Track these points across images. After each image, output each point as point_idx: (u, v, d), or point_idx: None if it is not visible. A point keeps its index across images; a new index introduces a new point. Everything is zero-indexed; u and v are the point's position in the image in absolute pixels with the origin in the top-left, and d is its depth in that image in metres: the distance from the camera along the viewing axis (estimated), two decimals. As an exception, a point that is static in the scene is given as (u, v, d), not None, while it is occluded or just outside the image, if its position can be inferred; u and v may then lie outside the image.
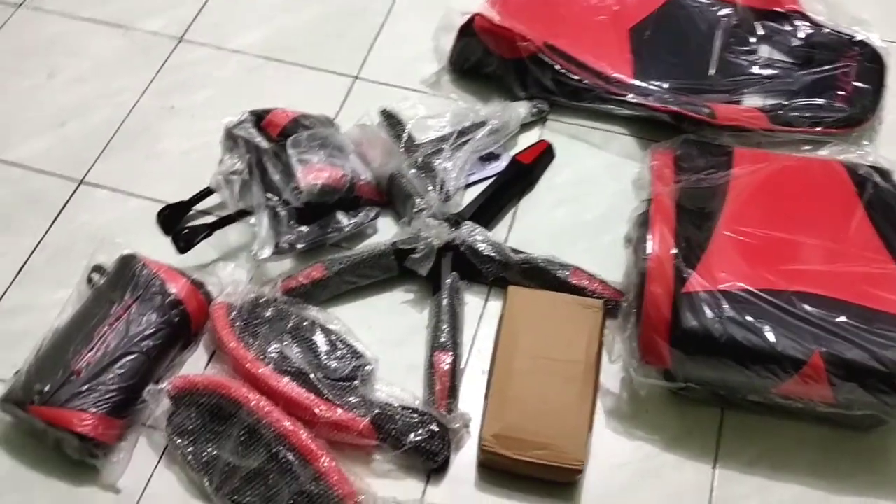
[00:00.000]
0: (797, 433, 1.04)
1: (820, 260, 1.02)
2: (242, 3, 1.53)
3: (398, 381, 1.08)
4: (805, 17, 1.38)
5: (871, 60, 1.32)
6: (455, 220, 1.15)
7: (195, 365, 1.11)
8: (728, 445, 1.04)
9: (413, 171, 1.22)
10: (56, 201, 1.27)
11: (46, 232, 1.24)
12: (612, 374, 1.08)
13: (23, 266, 1.21)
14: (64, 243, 1.23)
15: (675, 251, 0.99)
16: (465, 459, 1.04)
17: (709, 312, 0.95)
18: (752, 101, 1.32)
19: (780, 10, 1.40)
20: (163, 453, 1.04)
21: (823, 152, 1.23)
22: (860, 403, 0.95)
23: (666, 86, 1.32)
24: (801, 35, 1.37)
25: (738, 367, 0.95)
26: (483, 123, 1.27)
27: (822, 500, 1.00)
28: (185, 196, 1.24)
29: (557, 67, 1.28)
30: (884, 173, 1.12)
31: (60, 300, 1.13)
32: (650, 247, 0.99)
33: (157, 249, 1.18)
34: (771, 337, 0.93)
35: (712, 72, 1.34)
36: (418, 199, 1.17)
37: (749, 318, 0.95)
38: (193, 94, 1.40)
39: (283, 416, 0.99)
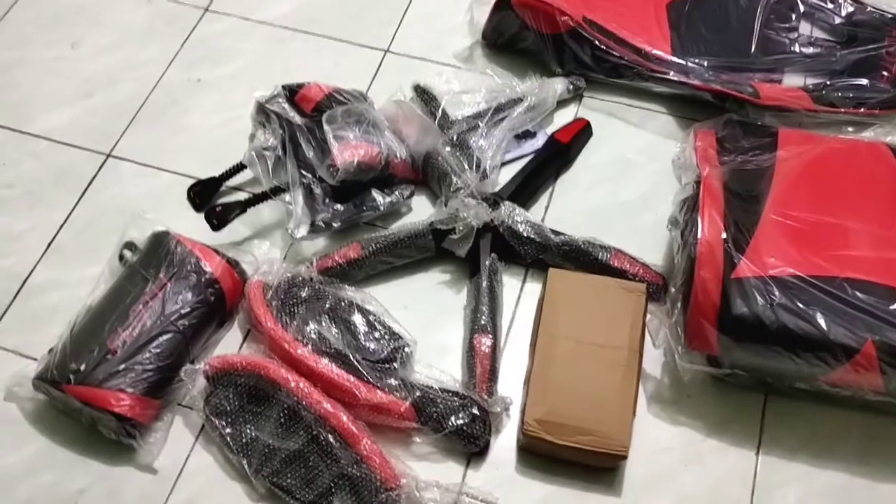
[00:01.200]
0: (841, 420, 1.03)
1: (869, 245, 1.00)
2: (269, -28, 1.49)
3: (434, 363, 1.07)
4: (848, -6, 1.35)
5: (916, 40, 1.29)
6: (493, 200, 1.13)
7: (230, 344, 1.10)
8: (771, 432, 1.03)
9: (448, 148, 1.20)
10: (84, 175, 1.25)
11: (75, 206, 1.22)
12: (653, 359, 1.06)
13: (51, 241, 1.19)
14: (93, 218, 1.21)
15: (724, 236, 0.97)
16: (505, 443, 1.03)
17: (759, 299, 0.93)
18: (794, 79, 1.29)
19: (821, -14, 1.36)
20: (199, 434, 1.03)
21: (868, 134, 1.20)
22: (910, 392, 0.94)
23: (706, 63, 1.29)
24: (844, 13, 1.34)
25: (787, 355, 0.93)
26: (519, 100, 1.25)
27: (866, 487, 0.99)
28: (214, 171, 1.22)
29: (597, 43, 1.25)
30: (930, 157, 1.10)
31: (91, 276, 1.12)
32: (700, 231, 0.97)
33: (188, 225, 1.16)
34: (823, 324, 0.92)
35: (753, 49, 1.31)
36: (455, 179, 1.15)
37: (800, 305, 0.93)
38: (220, 67, 1.37)
39: (323, 397, 0.98)
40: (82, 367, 0.98)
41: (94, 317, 1.04)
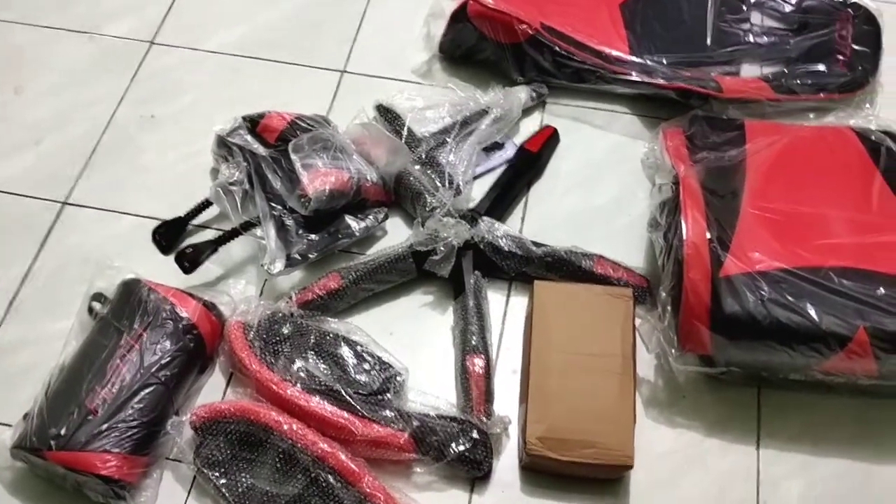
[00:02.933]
0: (836, 406, 1.03)
1: (848, 232, 1.01)
2: (212, 0, 1.45)
3: (427, 387, 1.05)
4: (795, -18, 1.37)
5: (866, 22, 1.31)
6: (471, 217, 1.12)
7: (213, 389, 1.06)
8: (769, 424, 1.03)
9: (418, 167, 1.18)
10: (41, 225, 1.20)
11: (34, 259, 1.17)
12: (645, 362, 1.06)
13: (13, 299, 1.13)
14: (55, 270, 1.16)
15: (709, 235, 0.97)
16: (507, 463, 1.01)
17: (749, 295, 0.94)
18: (751, 70, 1.30)
19: (768, -26, 1.38)
20: (191, 487, 0.99)
21: (829, 119, 1.22)
22: (903, 374, 0.95)
23: (665, 60, 1.29)
24: (793, 0, 1.36)
25: (782, 349, 0.94)
26: (485, 112, 1.23)
27: (867, 471, 1.00)
28: (178, 211, 1.18)
29: (557, 49, 1.24)
30: (894, 137, 1.12)
31: (60, 331, 1.07)
32: (685, 233, 0.97)
33: (157, 270, 1.11)
34: (814, 315, 0.92)
35: (709, 42, 1.32)
36: (429, 198, 1.13)
37: (790, 298, 0.93)
38: (173, 101, 1.33)
39: (318, 437, 0.95)
40: (63, 431, 0.94)
41: (70, 376, 0.99)
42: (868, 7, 1.32)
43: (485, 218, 1.12)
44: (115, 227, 1.20)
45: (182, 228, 1.18)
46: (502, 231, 1.10)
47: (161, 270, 1.12)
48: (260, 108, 1.20)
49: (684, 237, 0.97)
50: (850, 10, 1.33)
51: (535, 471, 1.00)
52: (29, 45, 1.39)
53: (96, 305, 1.07)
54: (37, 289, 1.14)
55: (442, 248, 1.06)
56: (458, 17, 1.27)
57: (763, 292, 0.94)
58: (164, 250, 1.17)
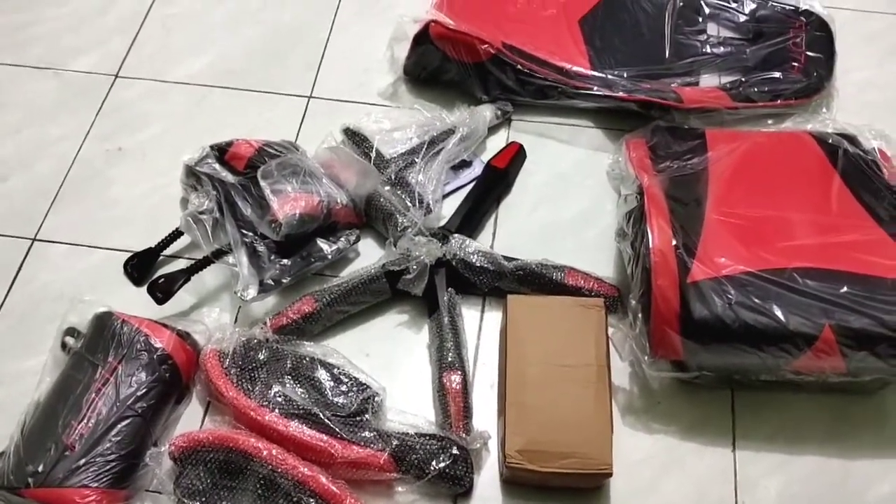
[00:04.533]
0: (808, 405, 1.05)
1: (810, 233, 1.03)
2: (176, 30, 1.46)
3: (405, 406, 1.05)
4: (748, -8, 1.40)
5: (819, 28, 1.35)
6: (443, 235, 1.13)
7: (191, 418, 1.06)
8: (743, 425, 1.05)
9: (388, 188, 1.19)
10: (10, 264, 1.19)
11: (5, 298, 1.16)
12: (620, 371, 1.07)
13: (-15, 337, 1.13)
14: (26, 307, 1.15)
15: (675, 242, 0.99)
16: (487, 477, 1.02)
17: (717, 300, 0.95)
18: (710, 80, 1.33)
19: (722, -14, 1.41)
20: (172, 518, 0.98)
21: (787, 124, 1.25)
22: (871, 370, 0.97)
23: (625, 74, 1.32)
24: (747, 10, 1.39)
25: (752, 351, 0.95)
26: (451, 131, 1.25)
27: (843, 467, 1.02)
28: (149, 242, 1.18)
29: (519, 67, 1.26)
30: (851, 139, 1.15)
31: (33, 369, 1.06)
32: (651, 241, 0.98)
33: (130, 302, 1.11)
34: (781, 316, 0.94)
35: (668, 55, 1.34)
36: (400, 218, 1.14)
37: (757, 301, 0.95)
38: (139, 133, 1.33)
39: (298, 461, 0.95)
40: (40, 468, 0.93)
41: (45, 412, 0.98)
42: (819, 14, 1.36)
43: (456, 235, 1.13)
44: (87, 261, 1.20)
45: (154, 259, 1.18)
46: (473, 247, 1.11)
47: (134, 302, 1.12)
48: (228, 136, 1.21)
49: (651, 245, 0.98)
50: (802, 17, 1.36)
51: (516, 484, 1.01)
52: (-8, 83, 1.39)
53: (69, 340, 1.07)
54: (9, 326, 1.14)
55: (414, 267, 1.07)
56: (421, 40, 1.28)
57: (730, 296, 0.95)
58: (137, 282, 1.16)
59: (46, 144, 1.32)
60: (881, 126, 1.18)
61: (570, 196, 1.25)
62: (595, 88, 1.26)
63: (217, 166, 1.17)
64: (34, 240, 1.21)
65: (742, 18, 1.39)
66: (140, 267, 1.17)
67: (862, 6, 1.46)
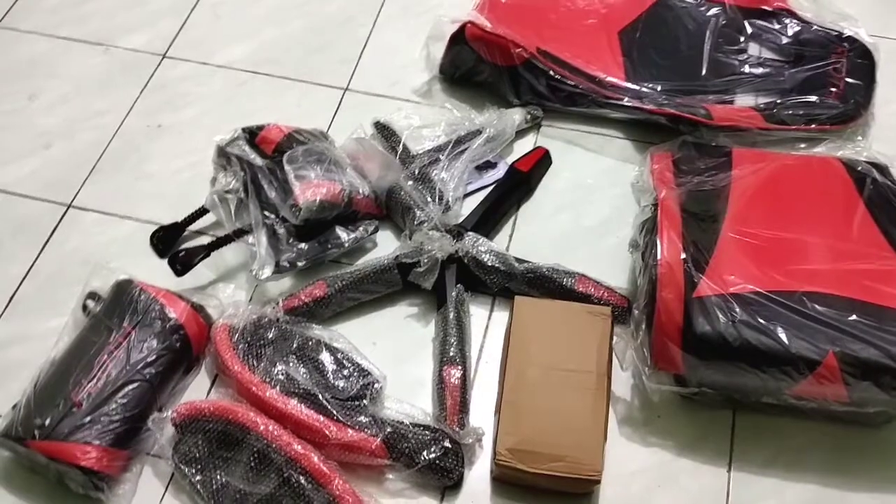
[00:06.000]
0: (810, 432, 1.04)
1: (826, 259, 1.02)
2: (225, 17, 1.50)
3: (405, 397, 1.06)
4: (793, 15, 1.39)
5: (861, 56, 1.32)
6: (457, 232, 1.14)
7: (198, 389, 1.09)
8: (742, 447, 1.03)
9: (410, 182, 1.21)
10: (44, 227, 1.24)
11: (36, 259, 1.21)
12: (622, 381, 1.07)
13: (13, 295, 1.17)
14: (55, 270, 1.20)
15: (684, 256, 0.99)
16: (478, 473, 1.02)
17: (721, 317, 0.94)
18: (745, 100, 1.32)
19: (767, 8, 1.40)
20: (169, 483, 1.02)
21: (819, 149, 1.23)
22: (874, 401, 0.95)
23: (659, 88, 1.31)
24: (790, 33, 1.38)
25: (752, 371, 0.94)
26: (479, 132, 1.26)
27: (839, 498, 1.00)
28: (178, 217, 1.22)
29: (552, 73, 1.27)
30: (881, 168, 1.13)
31: (55, 329, 1.10)
32: (659, 252, 0.98)
33: (153, 273, 1.15)
34: (785, 339, 0.93)
35: (704, 72, 1.34)
36: (418, 212, 1.16)
37: (762, 321, 0.94)
38: (180, 112, 1.37)
39: (293, 439, 0.97)
40: (47, 422, 0.97)
41: (58, 370, 1.02)
42: (864, 41, 1.34)
43: (470, 233, 1.14)
44: (117, 230, 1.24)
45: (179, 233, 1.21)
46: (486, 246, 1.12)
47: (157, 273, 1.15)
48: (264, 121, 1.24)
49: (658, 257, 0.98)
50: (845, 43, 1.34)
51: (506, 483, 1.01)
52: (45, 54, 1.45)
53: (90, 303, 1.11)
54: (36, 287, 1.18)
55: (426, 261, 1.09)
56: (457, 40, 1.30)
57: (735, 314, 0.95)
58: (161, 254, 1.20)
59: (91, 116, 1.37)
60: (918, 159, 1.16)
61: (592, 204, 1.25)
62: (625, 99, 1.27)
63: (247, 148, 1.20)
64: (69, 206, 1.26)
65: (785, 41, 1.37)
66: (165, 240, 1.21)
67: (911, 37, 1.43)
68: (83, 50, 1.46)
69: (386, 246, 1.21)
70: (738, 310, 0.95)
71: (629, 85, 1.31)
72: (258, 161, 1.19)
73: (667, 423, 1.05)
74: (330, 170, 1.17)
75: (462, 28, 1.29)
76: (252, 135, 1.21)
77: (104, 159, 1.32)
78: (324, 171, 1.16)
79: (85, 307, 1.11)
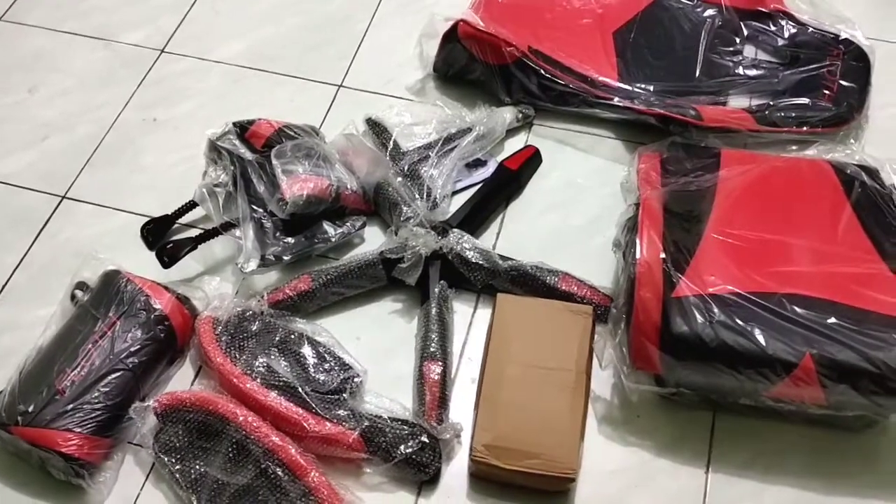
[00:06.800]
0: (789, 435, 1.03)
1: (809, 261, 1.01)
2: (224, 12, 1.52)
3: (387, 392, 1.07)
4: (790, 17, 1.38)
5: (857, 59, 1.32)
6: (442, 228, 1.15)
7: (182, 380, 1.10)
8: (720, 449, 1.03)
9: (400, 179, 1.22)
10: (39, 217, 1.26)
11: (29, 248, 1.22)
12: (603, 380, 1.07)
13: (6, 284, 1.19)
14: (47, 260, 1.22)
15: (663, 255, 0.98)
16: (456, 469, 1.03)
17: (699, 317, 0.94)
18: (739, 101, 1.32)
19: (764, 10, 1.40)
20: (150, 472, 1.03)
21: (810, 152, 1.22)
22: (852, 405, 0.94)
23: (651, 88, 1.31)
24: (786, 35, 1.37)
25: (729, 372, 0.94)
26: (469, 130, 1.27)
27: (816, 502, 0.99)
28: (171, 209, 1.23)
29: (542, 72, 1.28)
30: (871, 172, 1.12)
31: (44, 318, 1.12)
32: (638, 251, 0.98)
33: (143, 264, 1.16)
34: (761, 340, 0.93)
35: (698, 73, 1.33)
36: (405, 208, 1.17)
37: (739, 322, 0.94)
38: (176, 106, 1.39)
39: (271, 431, 0.98)
40: (30, 409, 0.98)
41: (44, 358, 1.04)
42: (860, 44, 1.33)
43: (455, 230, 1.14)
44: (109, 221, 1.26)
45: (169, 226, 1.23)
46: (470, 243, 1.13)
47: (147, 265, 1.16)
48: (258, 116, 1.26)
49: (637, 256, 0.98)
50: (841, 46, 1.33)
51: (483, 479, 1.01)
52: (47, 48, 1.47)
53: (78, 293, 1.12)
54: (29, 276, 1.20)
55: (409, 256, 1.09)
56: (450, 38, 1.31)
57: (713, 314, 0.94)
58: (151, 246, 1.22)
59: (89, 110, 1.39)
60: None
61: (581, 204, 1.25)
62: (616, 99, 1.27)
63: (237, 142, 1.21)
64: (63, 197, 1.28)
65: (780, 42, 1.37)
66: (155, 232, 1.22)
67: (910, 40, 1.42)
68: (85, 44, 1.48)
69: (374, 242, 1.21)
70: (716, 310, 0.95)
71: (621, 85, 1.31)
72: (248, 155, 1.20)
73: (646, 423, 1.05)
74: (318, 165, 1.18)
75: (455, 26, 1.29)
76: (242, 129, 1.22)
77: (100, 152, 1.33)
78: (312, 166, 1.17)
79: (73, 297, 1.12)
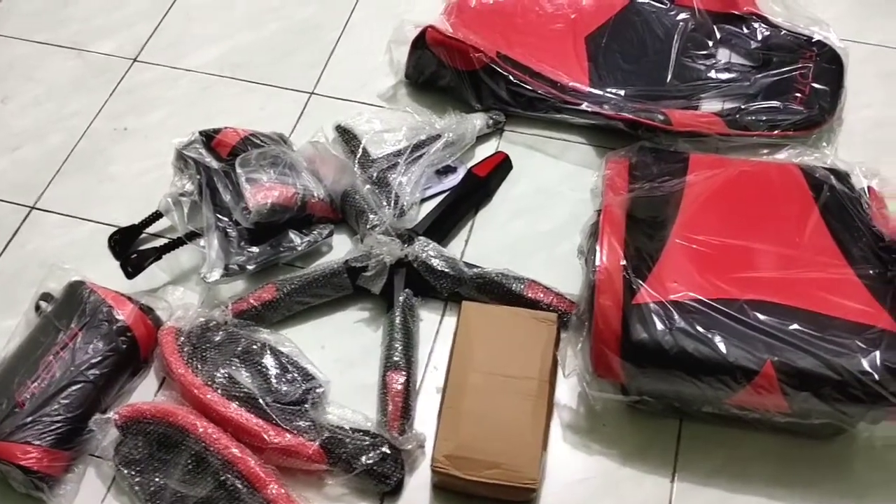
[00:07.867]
0: (757, 444, 1.02)
1: (774, 266, 1.00)
2: (198, 20, 1.51)
3: (352, 403, 1.06)
4: (763, 19, 1.37)
5: (830, 61, 1.30)
6: (408, 236, 1.14)
7: (146, 392, 1.10)
8: (686, 458, 1.02)
9: (368, 186, 1.21)
10: (7, 228, 1.26)
11: (-3, 259, 1.22)
12: (568, 389, 1.06)
13: (-28, 295, 1.19)
14: (14, 270, 1.21)
15: (624, 262, 0.97)
16: (419, 481, 1.02)
17: (659, 324, 0.93)
18: (711, 105, 1.30)
19: (737, 12, 1.38)
20: (111, 484, 1.02)
21: (781, 156, 1.21)
22: (816, 412, 0.93)
23: (623, 93, 1.30)
24: (759, 37, 1.36)
25: (689, 379, 0.93)
26: (438, 136, 1.26)
27: (783, 511, 0.98)
28: (139, 219, 1.23)
29: (511, 78, 1.27)
30: (841, 176, 1.11)
31: (9, 329, 1.12)
32: (598, 258, 0.97)
33: (109, 275, 1.16)
34: (722, 347, 0.91)
35: (670, 78, 1.32)
36: (371, 216, 1.16)
37: (700, 329, 0.93)
38: (146, 115, 1.39)
39: (231, 442, 0.97)
40: (-10, 422, 0.98)
41: (5, 370, 1.04)
42: (833, 46, 1.32)
43: (420, 238, 1.13)
44: (77, 231, 1.25)
45: (136, 236, 1.22)
46: (436, 251, 1.12)
47: (113, 275, 1.16)
48: (229, 124, 1.25)
49: (597, 263, 0.97)
50: (814, 48, 1.32)
51: (446, 490, 1.00)
52: (21, 58, 1.47)
53: (43, 304, 1.12)
54: (-4, 287, 1.20)
55: (374, 264, 1.08)
56: (418, 44, 1.30)
57: (673, 321, 0.93)
58: (118, 256, 1.21)
59: (61, 119, 1.39)
60: (885, 167, 1.13)
61: (550, 210, 1.24)
62: (585, 105, 1.26)
63: (203, 151, 1.20)
64: (32, 208, 1.28)
65: (754, 45, 1.35)
66: (123, 242, 1.22)
67: (887, 41, 1.41)
68: (59, 54, 1.48)
69: (342, 250, 1.21)
70: (676, 317, 0.94)
71: (591, 90, 1.30)
72: (213, 164, 1.19)
73: (612, 432, 1.04)
74: (284, 173, 1.17)
75: (423, 32, 1.28)
76: (209, 138, 1.22)
77: (70, 162, 1.33)
78: (278, 174, 1.16)
79: (37, 307, 1.12)
